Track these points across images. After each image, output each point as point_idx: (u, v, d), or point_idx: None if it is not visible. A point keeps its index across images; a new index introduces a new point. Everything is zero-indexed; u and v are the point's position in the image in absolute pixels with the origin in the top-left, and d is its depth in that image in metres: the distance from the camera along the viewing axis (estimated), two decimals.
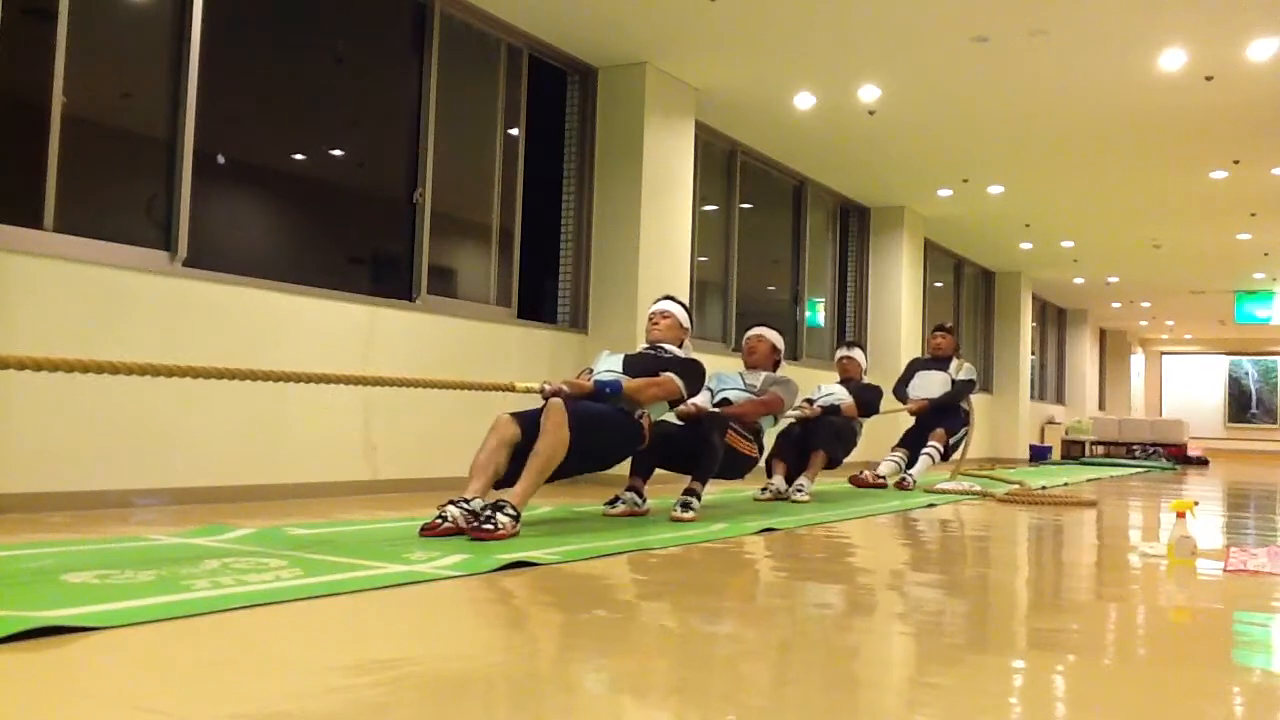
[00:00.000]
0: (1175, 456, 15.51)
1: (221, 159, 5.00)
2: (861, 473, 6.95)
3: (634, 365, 4.26)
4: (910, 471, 6.86)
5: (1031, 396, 16.50)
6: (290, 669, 1.77)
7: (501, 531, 3.35)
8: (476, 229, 6.39)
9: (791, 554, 3.61)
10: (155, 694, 1.58)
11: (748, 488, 5.94)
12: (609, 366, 4.27)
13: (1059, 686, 1.90)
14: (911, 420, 7.23)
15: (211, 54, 4.72)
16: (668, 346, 4.48)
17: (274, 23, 5.36)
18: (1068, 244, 12.77)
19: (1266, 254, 12.93)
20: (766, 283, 9.82)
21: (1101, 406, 21.66)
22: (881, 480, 6.88)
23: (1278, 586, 3.07)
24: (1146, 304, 18.46)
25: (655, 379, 4.20)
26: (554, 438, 3.65)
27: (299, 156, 5.64)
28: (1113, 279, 15.50)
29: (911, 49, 6.46)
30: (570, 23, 6.27)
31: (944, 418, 7.03)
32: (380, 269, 5.96)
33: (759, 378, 5.38)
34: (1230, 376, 24.27)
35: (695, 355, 4.55)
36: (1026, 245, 12.95)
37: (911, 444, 7.08)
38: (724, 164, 8.52)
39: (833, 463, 6.07)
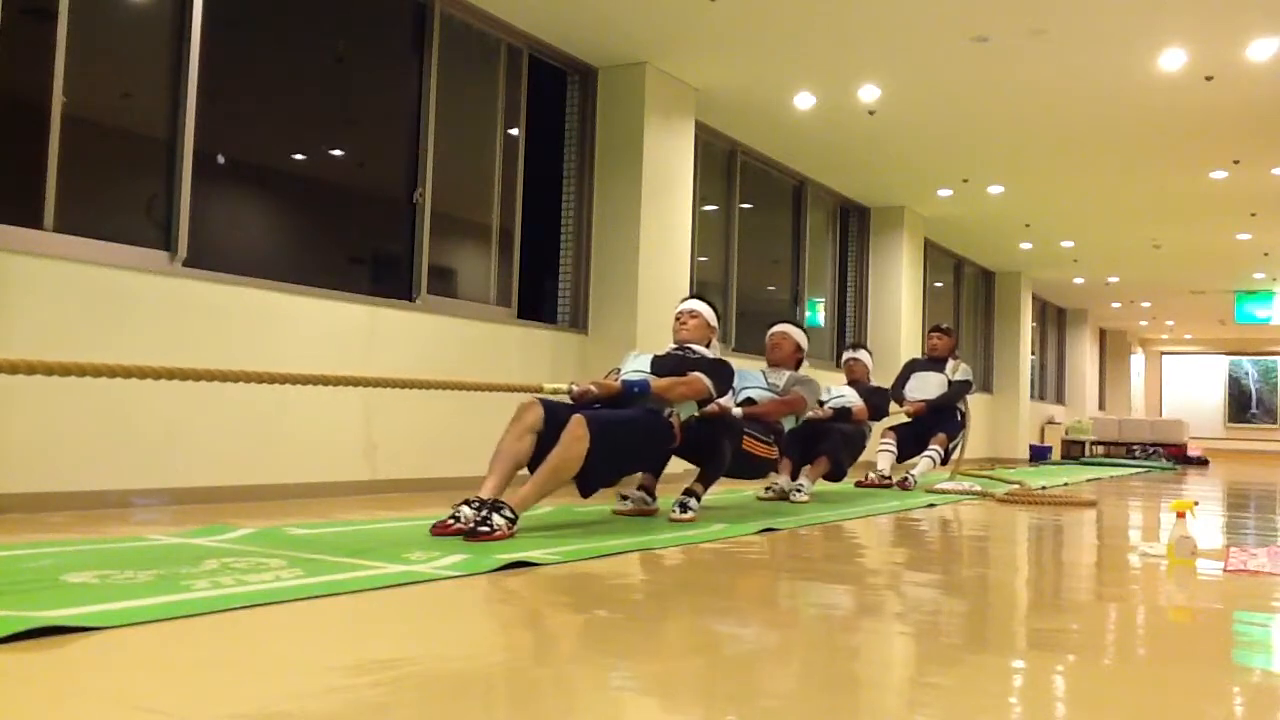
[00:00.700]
0: (1175, 456, 15.51)
1: (221, 159, 5.00)
2: (866, 475, 6.96)
3: (662, 365, 4.26)
4: (912, 472, 6.87)
5: (1031, 396, 16.50)
6: (290, 669, 1.77)
7: (497, 533, 3.34)
8: (476, 229, 6.39)
9: (792, 554, 3.61)
10: (155, 694, 1.58)
11: (751, 487, 5.94)
12: (637, 367, 4.27)
13: (1059, 686, 1.90)
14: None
15: (211, 54, 4.72)
16: (695, 346, 4.48)
17: (274, 23, 5.36)
18: (1068, 244, 12.77)
19: (1266, 254, 12.93)
20: (766, 283, 9.82)
21: (1101, 406, 21.66)
22: (887, 480, 6.89)
23: (1278, 586, 3.07)
24: (1146, 304, 18.46)
25: (683, 378, 4.18)
26: (569, 452, 3.62)
27: (299, 156, 5.64)
28: (1113, 279, 15.50)
29: (911, 49, 6.46)
30: (570, 23, 6.27)
31: (942, 419, 7.03)
32: (380, 269, 5.96)
33: (782, 376, 5.38)
34: (1230, 376, 24.27)
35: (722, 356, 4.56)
36: (1026, 245, 12.95)
37: (906, 438, 7.06)
38: (724, 164, 8.52)
39: (837, 471, 6.04)
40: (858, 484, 6.89)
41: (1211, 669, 2.09)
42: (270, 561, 2.76)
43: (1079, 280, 15.75)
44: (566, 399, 3.90)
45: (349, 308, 5.22)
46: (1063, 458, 16.31)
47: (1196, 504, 5.50)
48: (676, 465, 4.66)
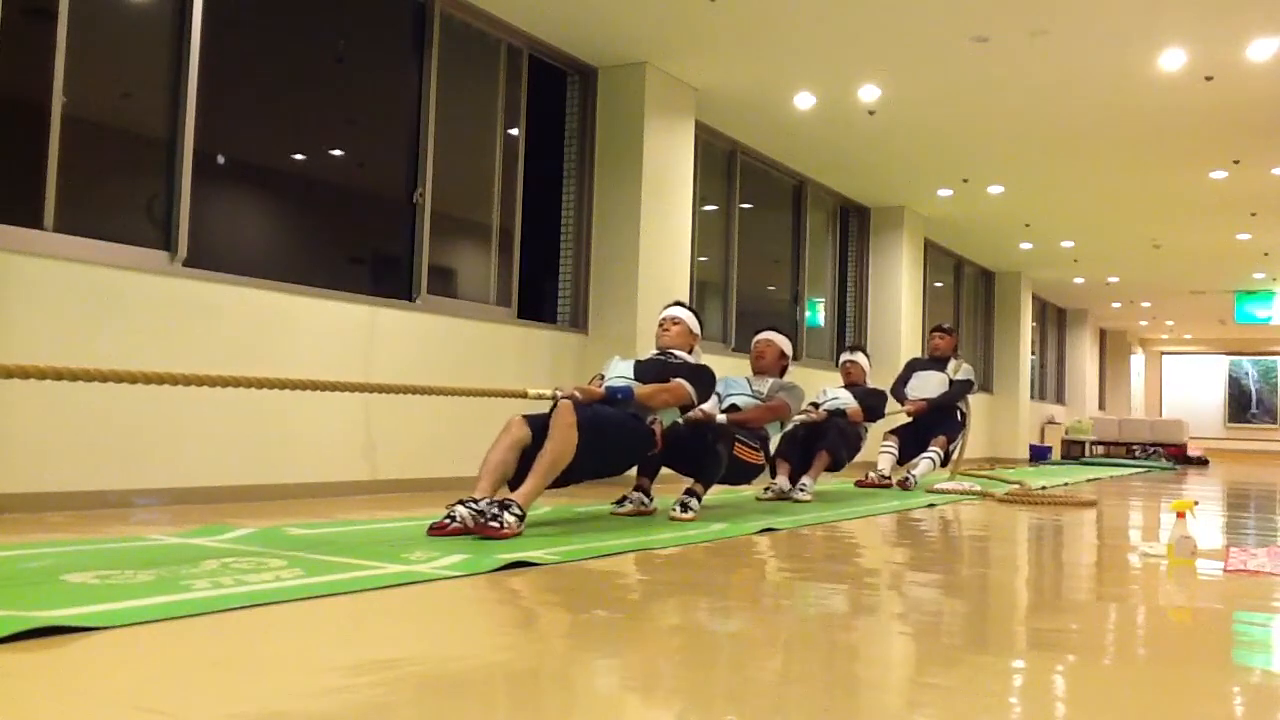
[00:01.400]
0: (1175, 456, 15.50)
1: (221, 159, 5.00)
2: (866, 475, 6.97)
3: (645, 371, 4.29)
4: (913, 472, 6.87)
5: (1031, 396, 16.50)
6: (290, 669, 1.77)
7: (506, 530, 3.38)
8: (476, 229, 6.39)
9: (792, 554, 3.61)
10: (155, 694, 1.58)
11: (750, 488, 5.94)
12: (620, 372, 4.29)
13: (1059, 686, 1.90)
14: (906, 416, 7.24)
15: (211, 54, 4.72)
16: (678, 352, 4.50)
17: (274, 23, 5.36)
18: (1068, 244, 12.77)
19: (1266, 254, 12.93)
20: (766, 283, 9.82)
21: (1101, 406, 21.66)
22: (887, 480, 6.89)
23: (1278, 586, 3.07)
24: (1146, 304, 18.46)
25: (666, 385, 4.22)
26: (562, 439, 3.65)
27: (299, 156, 5.64)
28: (1113, 279, 15.50)
29: (911, 49, 6.46)
30: (570, 23, 6.27)
31: (942, 419, 7.03)
32: (380, 269, 5.96)
33: (766, 384, 5.39)
34: (1230, 376, 24.27)
35: (704, 361, 4.56)
36: (1026, 245, 12.95)
37: (907, 440, 7.07)
38: (724, 164, 8.52)
39: (836, 464, 6.08)
40: (857, 483, 6.90)
41: (1211, 669, 2.09)
42: (270, 561, 2.76)
43: (1079, 280, 15.75)
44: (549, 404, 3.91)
45: (349, 308, 5.22)
46: (1063, 458, 16.31)
47: (1196, 504, 5.50)
48: None
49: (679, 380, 4.26)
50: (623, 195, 6.80)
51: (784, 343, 5.59)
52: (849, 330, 10.88)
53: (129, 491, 4.22)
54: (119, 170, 4.69)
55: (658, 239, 6.88)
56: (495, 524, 3.37)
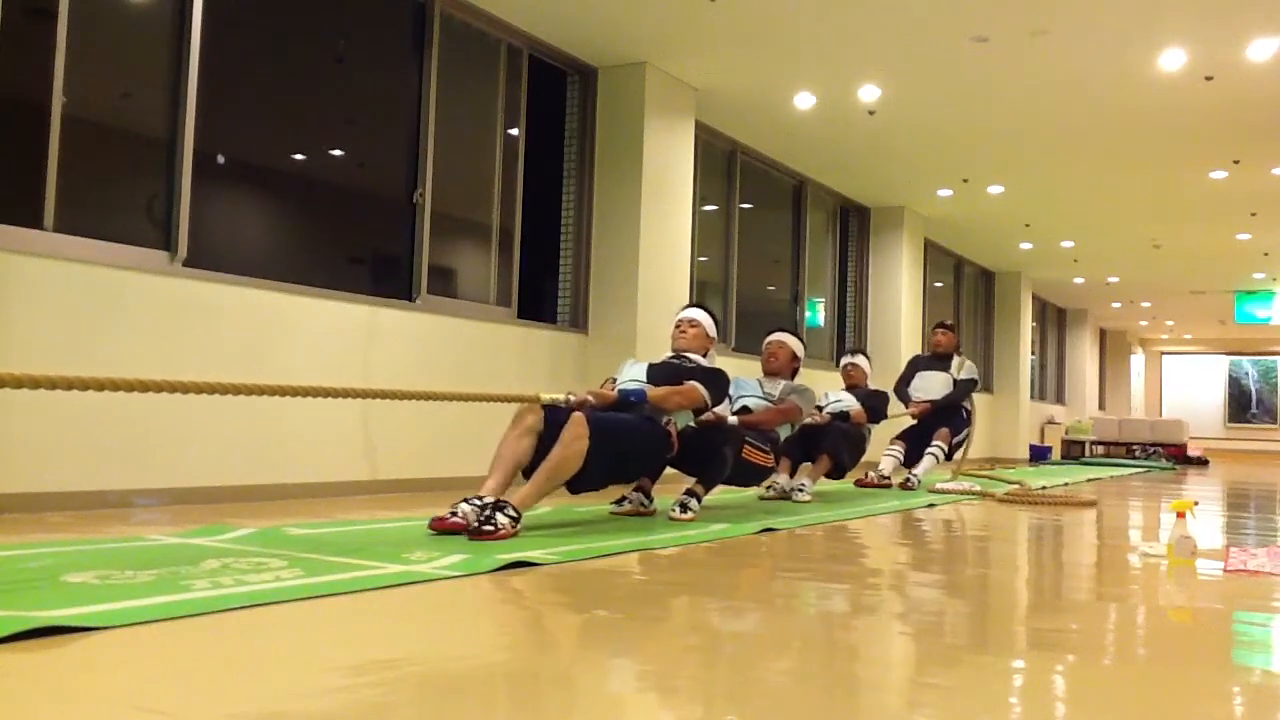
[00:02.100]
0: (1175, 456, 15.50)
1: (221, 159, 5.00)
2: (866, 475, 6.96)
3: (658, 374, 4.27)
4: (915, 472, 6.87)
5: (1031, 396, 16.50)
6: (290, 669, 1.77)
7: (501, 532, 3.36)
8: (476, 229, 6.39)
9: (792, 554, 3.61)
10: (155, 694, 1.58)
11: (751, 487, 5.94)
12: (633, 375, 4.28)
13: (1059, 686, 1.90)
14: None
15: (211, 54, 4.72)
16: (692, 355, 4.48)
17: (274, 23, 5.36)
18: (1068, 244, 12.77)
19: (1266, 254, 12.93)
20: (766, 283, 9.82)
21: (1101, 406, 21.66)
22: (886, 481, 6.89)
23: (1278, 586, 3.07)
24: (1146, 304, 18.46)
25: (679, 388, 4.19)
26: (570, 449, 3.63)
27: (299, 156, 5.64)
28: (1113, 279, 15.50)
29: (911, 49, 6.46)
30: (570, 23, 6.27)
31: (947, 417, 7.02)
32: (380, 269, 5.96)
33: (777, 386, 5.38)
34: (1230, 376, 24.28)
35: (719, 364, 4.55)
36: (1026, 245, 12.95)
37: (912, 440, 7.08)
38: (724, 164, 8.52)
39: (838, 468, 6.05)
40: (857, 483, 6.90)
41: (1211, 669, 2.09)
42: (270, 561, 2.76)
43: (1079, 280, 15.75)
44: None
45: (349, 308, 5.22)
46: (1063, 458, 16.31)
47: (1196, 504, 5.50)
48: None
49: (692, 383, 4.24)
50: (623, 195, 6.80)
51: (796, 345, 5.59)
52: (849, 330, 10.88)
53: (129, 491, 4.22)
54: (119, 170, 4.69)
55: (658, 239, 6.88)
56: (489, 526, 3.35)
